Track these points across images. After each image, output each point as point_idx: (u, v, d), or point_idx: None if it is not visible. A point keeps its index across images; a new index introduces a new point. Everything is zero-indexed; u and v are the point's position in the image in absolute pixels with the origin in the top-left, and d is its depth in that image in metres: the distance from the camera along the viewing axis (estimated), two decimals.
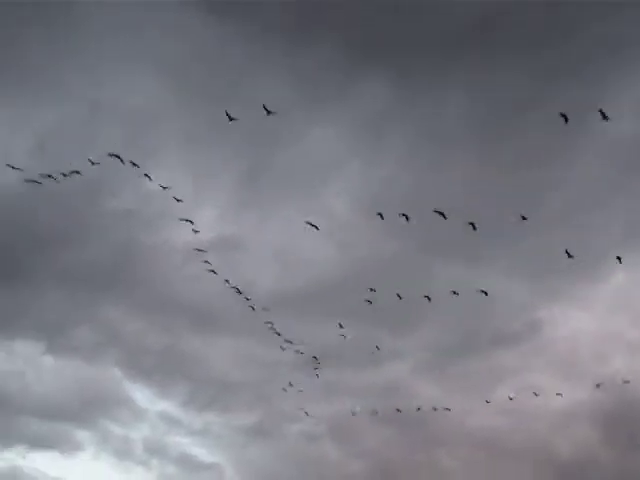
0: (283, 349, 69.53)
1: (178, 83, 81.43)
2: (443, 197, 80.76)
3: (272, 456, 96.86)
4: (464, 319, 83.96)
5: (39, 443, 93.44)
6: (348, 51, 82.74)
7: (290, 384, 77.00)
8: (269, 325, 64.75)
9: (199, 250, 60.69)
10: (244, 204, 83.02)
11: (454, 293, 60.75)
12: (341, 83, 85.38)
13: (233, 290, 67.93)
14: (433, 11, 76.37)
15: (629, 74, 75.86)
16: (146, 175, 55.43)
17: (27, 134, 79.11)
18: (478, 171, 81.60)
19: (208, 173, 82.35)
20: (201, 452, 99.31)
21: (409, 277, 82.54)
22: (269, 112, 49.48)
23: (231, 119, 50.65)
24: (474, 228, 53.70)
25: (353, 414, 76.75)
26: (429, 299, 62.89)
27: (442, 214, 53.42)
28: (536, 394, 68.78)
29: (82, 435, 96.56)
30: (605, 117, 42.97)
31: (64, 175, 53.52)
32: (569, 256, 52.67)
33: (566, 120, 44.02)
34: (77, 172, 53.71)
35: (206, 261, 61.45)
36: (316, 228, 56.46)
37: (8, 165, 52.96)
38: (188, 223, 56.84)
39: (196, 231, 56.92)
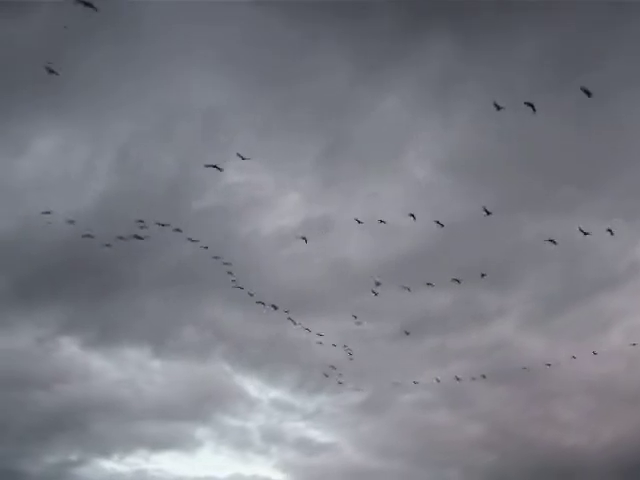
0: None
1: (243, 74, 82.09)
2: (521, 152, 79.86)
3: (387, 429, 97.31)
4: (563, 268, 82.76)
5: (160, 444, 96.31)
6: (406, 16, 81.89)
7: (394, 356, 77.04)
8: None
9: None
10: (327, 183, 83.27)
11: (550, 242, 59.45)
12: (403, 49, 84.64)
13: (330, 269, 68.18)
14: None
15: None
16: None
17: (109, 149, 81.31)
18: (552, 124, 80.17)
19: (286, 158, 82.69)
20: (317, 434, 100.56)
21: (501, 234, 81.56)
22: None
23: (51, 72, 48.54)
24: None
25: (458, 380, 76.25)
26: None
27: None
28: None
29: (200, 432, 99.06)
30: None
31: None
32: None
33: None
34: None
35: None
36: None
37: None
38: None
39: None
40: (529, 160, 76.77)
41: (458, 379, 75.93)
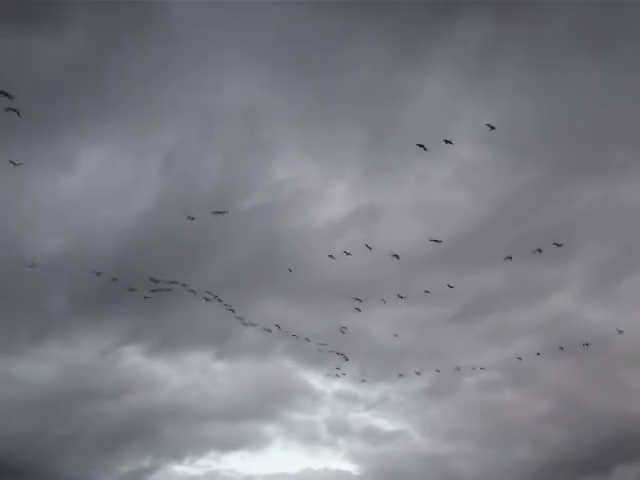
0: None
1: (280, 70, 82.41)
2: (568, 121, 78.89)
3: (453, 413, 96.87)
4: (620, 234, 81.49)
5: (229, 445, 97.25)
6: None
7: (455, 338, 76.56)
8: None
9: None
10: (373, 171, 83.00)
11: (602, 208, 58.32)
12: (438, 32, 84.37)
13: (383, 256, 68.03)
14: None
15: None
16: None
17: (155, 158, 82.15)
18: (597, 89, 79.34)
19: (331, 149, 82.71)
20: (383, 423, 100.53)
21: (554, 205, 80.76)
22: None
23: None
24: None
25: (519, 359, 75.58)
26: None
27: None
28: None
29: (268, 429, 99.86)
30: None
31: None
32: None
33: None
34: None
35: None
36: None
37: None
38: None
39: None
40: (577, 129, 75.95)
41: (519, 359, 75.30)
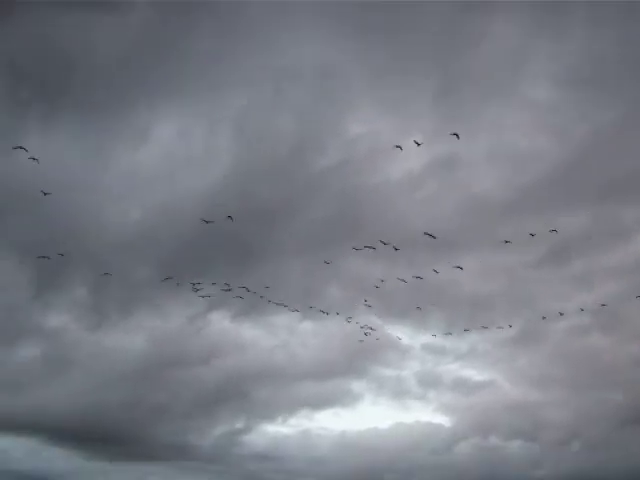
0: None
1: (348, 28, 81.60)
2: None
3: (542, 360, 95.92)
4: None
5: (321, 403, 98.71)
6: None
7: (541, 283, 75.40)
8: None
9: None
10: (447, 120, 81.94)
11: None
12: None
13: (464, 205, 67.19)
14: None
15: None
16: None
17: (227, 124, 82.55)
18: None
19: (404, 102, 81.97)
20: (472, 373, 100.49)
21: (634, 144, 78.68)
22: None
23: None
24: None
25: (603, 305, 73.93)
26: None
27: None
28: None
29: (358, 386, 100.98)
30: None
31: None
32: None
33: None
34: None
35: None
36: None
37: None
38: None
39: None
40: None
41: (603, 305, 73.81)
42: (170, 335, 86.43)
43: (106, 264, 74.71)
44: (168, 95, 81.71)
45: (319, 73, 78.21)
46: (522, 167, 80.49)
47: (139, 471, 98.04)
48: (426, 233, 54.83)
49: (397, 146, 54.55)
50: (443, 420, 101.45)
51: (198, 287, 65.23)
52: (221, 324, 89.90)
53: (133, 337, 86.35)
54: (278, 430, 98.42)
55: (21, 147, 51.07)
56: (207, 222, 57.50)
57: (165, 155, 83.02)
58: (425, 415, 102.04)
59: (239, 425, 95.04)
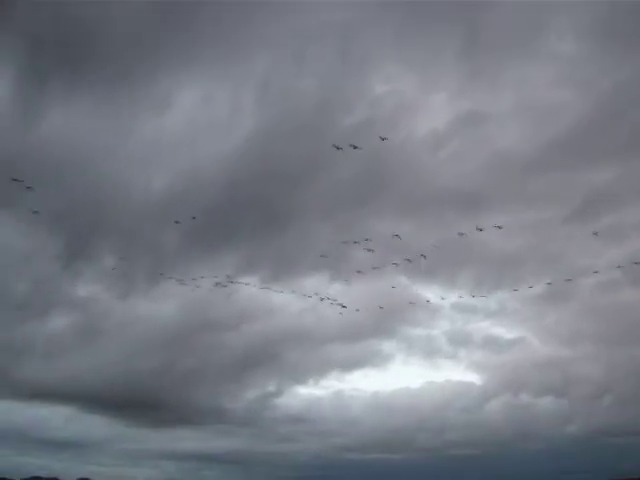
0: None
1: None
2: None
3: (572, 316, 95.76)
4: None
5: (352, 364, 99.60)
6: None
7: (570, 239, 74.71)
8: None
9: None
10: (471, 76, 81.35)
11: None
12: None
13: (490, 162, 66.50)
14: None
15: None
16: None
17: (250, 87, 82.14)
18: None
19: (427, 59, 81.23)
20: (502, 331, 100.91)
21: None
22: None
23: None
24: None
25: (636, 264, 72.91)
26: None
27: None
28: None
29: (388, 346, 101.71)
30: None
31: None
32: None
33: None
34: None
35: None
36: None
37: None
38: None
39: None
40: None
41: (637, 263, 72.88)
42: (199, 301, 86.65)
43: (133, 232, 75.12)
44: (190, 61, 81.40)
45: (341, 34, 77.18)
46: (547, 122, 79.49)
47: (174, 436, 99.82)
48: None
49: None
50: (474, 378, 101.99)
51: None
52: (250, 289, 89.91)
53: (163, 304, 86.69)
54: (310, 392, 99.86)
55: None
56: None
57: (189, 120, 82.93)
58: (456, 374, 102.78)
59: (271, 388, 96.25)
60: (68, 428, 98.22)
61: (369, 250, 78.13)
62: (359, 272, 78.93)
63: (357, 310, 74.67)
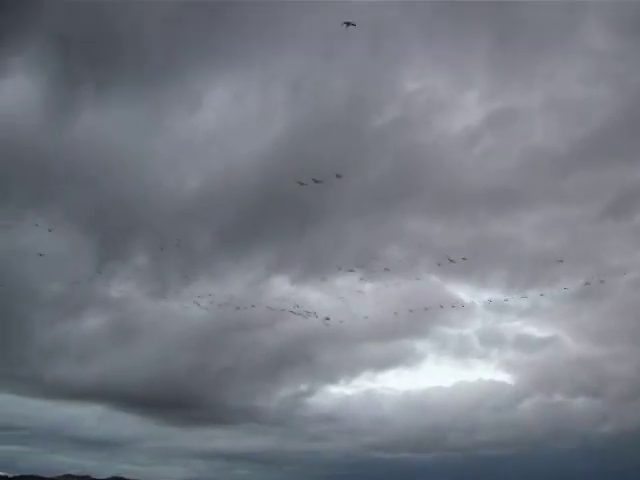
0: None
1: None
2: None
3: (606, 315, 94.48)
4: None
5: (383, 363, 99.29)
6: None
7: (603, 238, 74.03)
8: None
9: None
10: (504, 73, 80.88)
11: None
12: None
13: (523, 159, 66.02)
14: None
15: None
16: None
17: (282, 85, 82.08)
18: None
19: (458, 56, 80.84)
20: (535, 330, 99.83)
21: None
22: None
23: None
24: None
25: None
26: None
27: None
28: None
29: (420, 345, 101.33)
30: None
31: None
32: None
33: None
34: None
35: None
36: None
37: None
38: None
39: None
40: None
41: None
42: (232, 300, 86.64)
43: (166, 232, 75.20)
44: (221, 60, 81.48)
45: (372, 32, 76.86)
46: (580, 118, 78.78)
47: (205, 435, 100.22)
48: None
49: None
50: (506, 377, 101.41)
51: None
52: (282, 288, 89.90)
53: (196, 303, 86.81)
54: (341, 391, 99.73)
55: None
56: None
57: (220, 119, 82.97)
58: (488, 373, 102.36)
59: (303, 387, 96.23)
60: (100, 427, 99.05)
61: (401, 248, 77.75)
62: (388, 270, 78.69)
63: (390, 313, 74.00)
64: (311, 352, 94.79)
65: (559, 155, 72.86)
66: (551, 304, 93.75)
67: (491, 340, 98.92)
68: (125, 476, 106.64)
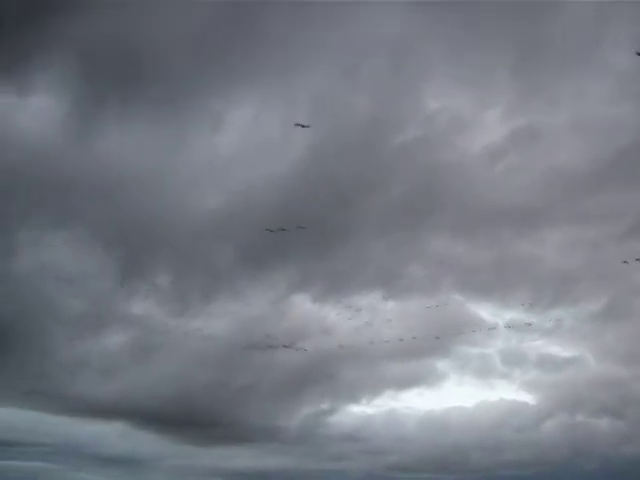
0: None
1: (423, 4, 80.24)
2: None
3: (629, 335, 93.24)
4: None
5: (405, 383, 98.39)
6: None
7: (627, 257, 73.36)
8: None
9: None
10: (526, 91, 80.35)
11: None
12: None
13: (545, 178, 65.64)
14: None
15: None
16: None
17: (302, 105, 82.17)
18: None
19: (481, 74, 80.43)
20: (558, 350, 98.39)
21: None
22: None
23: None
24: None
25: None
26: None
27: None
28: None
29: (442, 365, 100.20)
30: None
31: None
32: None
33: None
34: None
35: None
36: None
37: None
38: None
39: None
40: None
41: None
42: (253, 318, 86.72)
43: (187, 251, 75.41)
44: (242, 79, 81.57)
45: (394, 48, 76.91)
46: (604, 137, 78.08)
47: (226, 453, 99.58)
48: None
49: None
50: (528, 398, 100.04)
51: None
52: (304, 306, 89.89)
53: (216, 322, 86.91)
54: (363, 410, 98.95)
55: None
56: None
57: (241, 139, 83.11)
58: (510, 393, 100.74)
59: (324, 406, 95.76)
60: (121, 444, 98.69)
61: (423, 267, 77.16)
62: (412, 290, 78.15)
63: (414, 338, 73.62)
64: (333, 370, 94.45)
65: (583, 174, 72.12)
66: (574, 324, 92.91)
67: (513, 360, 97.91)
68: None
